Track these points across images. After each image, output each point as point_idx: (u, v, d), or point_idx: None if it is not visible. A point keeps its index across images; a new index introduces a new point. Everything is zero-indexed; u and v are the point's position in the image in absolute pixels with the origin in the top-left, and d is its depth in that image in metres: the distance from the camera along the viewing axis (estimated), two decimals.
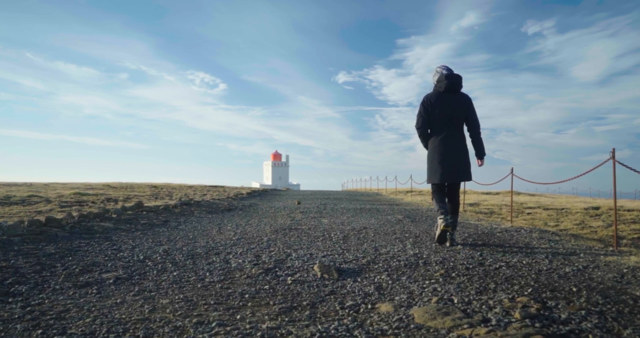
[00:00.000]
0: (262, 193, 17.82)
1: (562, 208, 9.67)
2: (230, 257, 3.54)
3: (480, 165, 4.22)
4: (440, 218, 3.98)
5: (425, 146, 4.26)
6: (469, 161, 4.13)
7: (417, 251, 3.79)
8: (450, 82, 4.03)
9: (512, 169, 6.28)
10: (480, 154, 4.18)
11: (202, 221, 6.32)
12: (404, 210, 9.08)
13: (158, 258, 3.46)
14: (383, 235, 4.85)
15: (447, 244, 4.07)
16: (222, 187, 24.79)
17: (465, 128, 4.19)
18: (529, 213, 8.43)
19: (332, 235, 4.87)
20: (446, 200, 4.19)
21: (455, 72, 4.17)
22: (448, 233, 4.03)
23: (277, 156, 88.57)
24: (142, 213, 6.87)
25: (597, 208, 9.46)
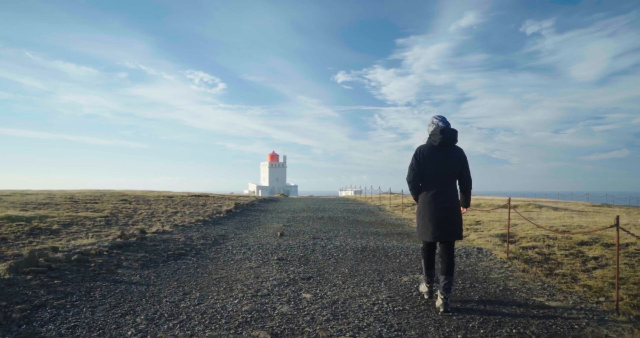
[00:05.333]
0: (245, 209, 15.30)
1: (627, 245, 7.20)
2: None
3: (462, 212, 4.13)
4: (426, 286, 4.07)
5: (416, 199, 4.13)
6: (461, 219, 3.99)
7: None
8: (445, 138, 3.88)
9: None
10: (466, 205, 4.15)
11: (101, 307, 3.76)
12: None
13: None
14: None
15: (441, 309, 3.63)
16: (207, 196, 22.21)
17: (457, 182, 4.07)
18: (597, 261, 5.94)
19: None
20: (437, 259, 4.08)
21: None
22: (442, 297, 3.69)
23: (274, 157, 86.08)
24: (21, 281, 4.35)
25: None
